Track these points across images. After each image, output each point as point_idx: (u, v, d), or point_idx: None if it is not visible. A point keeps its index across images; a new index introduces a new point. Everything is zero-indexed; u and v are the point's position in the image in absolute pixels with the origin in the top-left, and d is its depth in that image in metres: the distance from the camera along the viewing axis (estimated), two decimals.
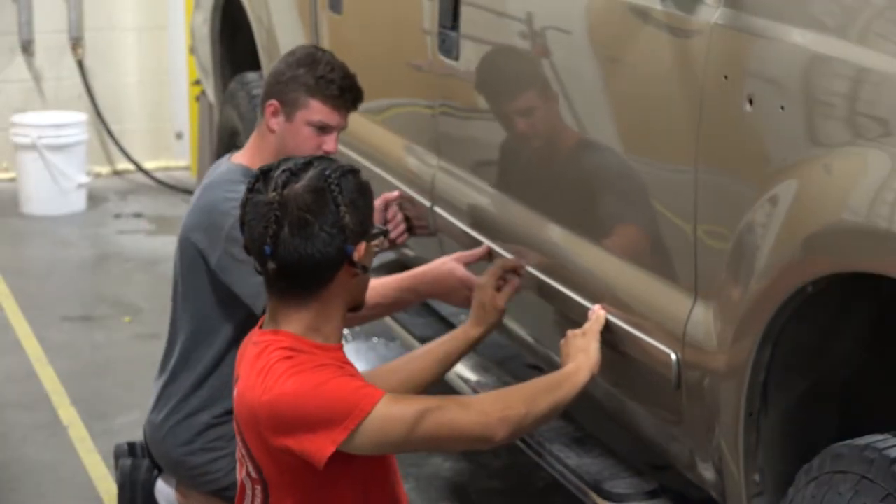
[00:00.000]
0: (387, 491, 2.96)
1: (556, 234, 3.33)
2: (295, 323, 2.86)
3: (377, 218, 3.68)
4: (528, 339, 3.64)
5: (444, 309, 4.07)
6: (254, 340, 2.90)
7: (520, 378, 3.78)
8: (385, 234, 3.00)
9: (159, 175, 8.04)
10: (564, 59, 3.27)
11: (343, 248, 2.81)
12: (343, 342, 2.93)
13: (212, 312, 3.63)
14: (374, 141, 4.34)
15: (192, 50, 6.41)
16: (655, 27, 2.88)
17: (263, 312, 3.50)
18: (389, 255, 4.49)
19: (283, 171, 2.82)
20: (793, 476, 2.55)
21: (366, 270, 2.88)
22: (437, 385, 3.27)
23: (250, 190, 2.86)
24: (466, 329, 3.29)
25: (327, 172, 2.82)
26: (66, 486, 4.57)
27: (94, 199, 7.72)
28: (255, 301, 3.51)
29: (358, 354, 4.55)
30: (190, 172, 8.07)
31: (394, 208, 4.01)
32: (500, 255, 3.52)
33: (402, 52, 4.14)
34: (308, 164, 2.85)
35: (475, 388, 3.75)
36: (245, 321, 3.60)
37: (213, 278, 3.61)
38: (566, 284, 3.27)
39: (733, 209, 2.65)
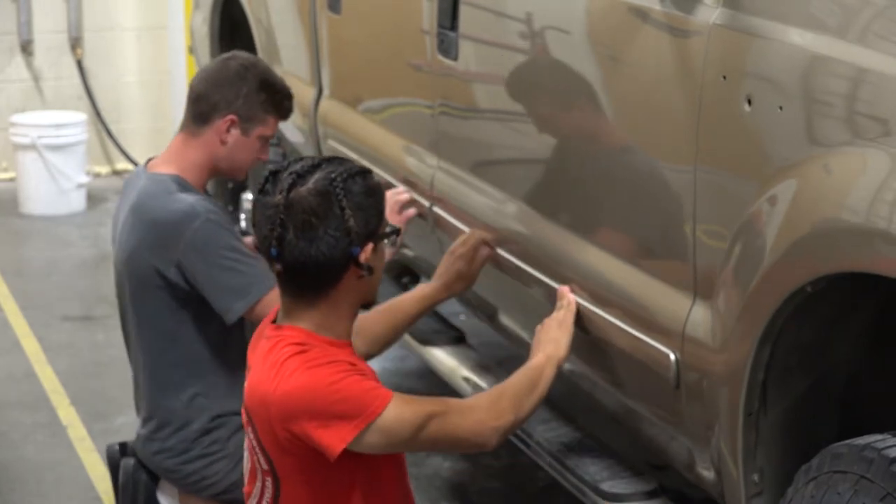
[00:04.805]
0: (397, 486, 2.98)
1: (555, 234, 3.32)
2: (306, 320, 2.89)
3: (394, 221, 3.69)
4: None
5: (444, 308, 4.07)
6: (266, 335, 2.92)
7: None
8: (397, 232, 3.05)
9: None
10: (563, 59, 3.27)
11: (348, 251, 2.83)
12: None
13: (175, 330, 3.58)
14: (373, 141, 4.34)
15: (192, 50, 6.41)
16: (654, 27, 2.88)
17: (233, 321, 3.51)
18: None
19: (290, 173, 2.84)
20: (792, 476, 2.55)
21: (372, 271, 2.88)
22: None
23: (260, 191, 2.88)
24: (436, 292, 3.42)
25: (333, 175, 2.83)
26: (66, 486, 4.57)
27: (94, 199, 7.72)
28: (227, 308, 3.50)
29: None
30: None
31: (411, 210, 3.93)
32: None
33: (402, 53, 4.13)
34: (316, 166, 2.86)
35: (476, 389, 3.75)
36: (215, 333, 3.57)
37: (172, 294, 3.55)
38: (565, 284, 3.26)
39: (732, 209, 2.65)
